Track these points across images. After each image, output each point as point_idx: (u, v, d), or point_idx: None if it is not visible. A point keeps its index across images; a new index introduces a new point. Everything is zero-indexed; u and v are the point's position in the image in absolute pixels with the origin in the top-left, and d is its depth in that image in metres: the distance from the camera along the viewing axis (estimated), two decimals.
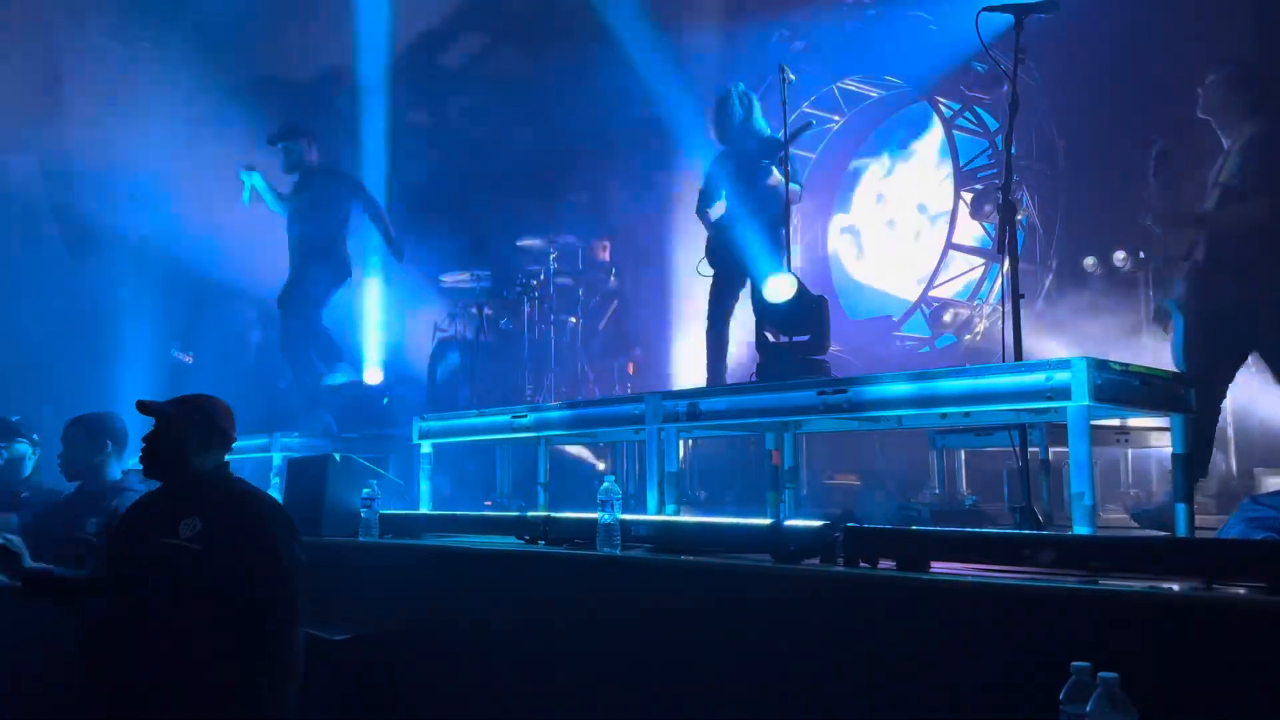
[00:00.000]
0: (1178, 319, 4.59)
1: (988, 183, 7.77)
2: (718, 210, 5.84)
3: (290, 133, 7.35)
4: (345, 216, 7.31)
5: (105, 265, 9.19)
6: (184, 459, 3.20)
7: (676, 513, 4.21)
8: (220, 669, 2.91)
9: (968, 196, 7.72)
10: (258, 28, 9.25)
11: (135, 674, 2.98)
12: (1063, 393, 3.06)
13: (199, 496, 3.16)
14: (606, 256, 9.07)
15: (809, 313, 4.54)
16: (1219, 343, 4.48)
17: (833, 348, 5.80)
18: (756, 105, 5.92)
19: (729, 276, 5.93)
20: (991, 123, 7.82)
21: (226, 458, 3.32)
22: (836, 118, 9.42)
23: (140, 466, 3.33)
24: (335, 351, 7.21)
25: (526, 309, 7.97)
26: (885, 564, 2.81)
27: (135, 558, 3.13)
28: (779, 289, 4.74)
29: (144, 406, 3.27)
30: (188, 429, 3.23)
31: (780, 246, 5.42)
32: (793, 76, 5.26)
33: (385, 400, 7.60)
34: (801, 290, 4.77)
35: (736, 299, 5.97)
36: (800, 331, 4.46)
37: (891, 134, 9.33)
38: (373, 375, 8.40)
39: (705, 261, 6.07)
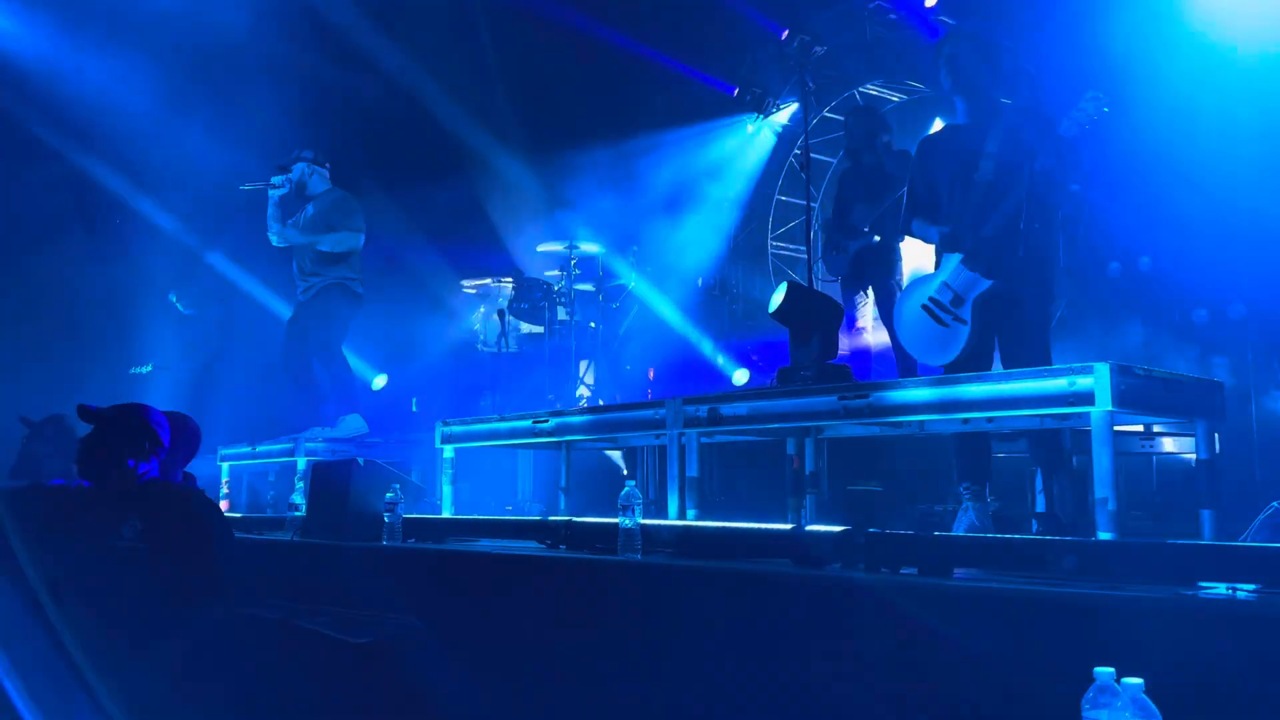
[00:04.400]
0: None
1: None
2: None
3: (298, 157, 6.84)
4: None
5: (131, 262, 9.25)
6: (121, 463, 3.31)
7: (697, 517, 4.21)
8: (158, 651, 3.03)
9: None
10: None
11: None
12: (1086, 398, 3.05)
13: (137, 499, 3.29)
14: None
15: (820, 318, 4.53)
16: None
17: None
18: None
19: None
20: None
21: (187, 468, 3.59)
22: None
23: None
24: (350, 396, 6.67)
25: (547, 314, 8.00)
26: (907, 570, 2.81)
27: (77, 557, 3.21)
28: (774, 299, 4.73)
29: (84, 411, 3.35)
30: (124, 435, 3.33)
31: None
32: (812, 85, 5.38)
33: (414, 405, 7.60)
34: (814, 296, 4.77)
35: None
36: (810, 336, 4.45)
37: (913, 138, 9.28)
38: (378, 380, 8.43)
39: None
